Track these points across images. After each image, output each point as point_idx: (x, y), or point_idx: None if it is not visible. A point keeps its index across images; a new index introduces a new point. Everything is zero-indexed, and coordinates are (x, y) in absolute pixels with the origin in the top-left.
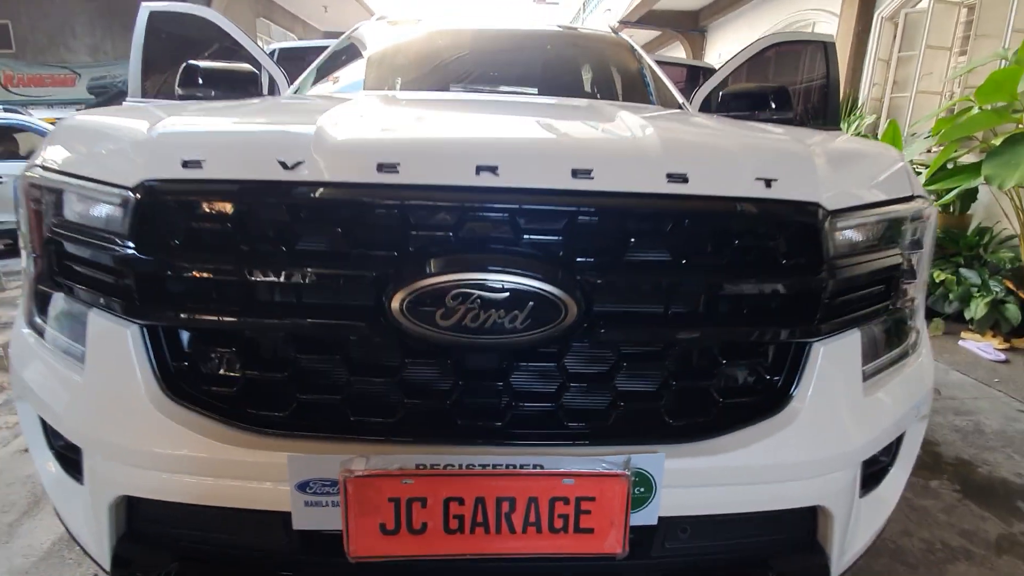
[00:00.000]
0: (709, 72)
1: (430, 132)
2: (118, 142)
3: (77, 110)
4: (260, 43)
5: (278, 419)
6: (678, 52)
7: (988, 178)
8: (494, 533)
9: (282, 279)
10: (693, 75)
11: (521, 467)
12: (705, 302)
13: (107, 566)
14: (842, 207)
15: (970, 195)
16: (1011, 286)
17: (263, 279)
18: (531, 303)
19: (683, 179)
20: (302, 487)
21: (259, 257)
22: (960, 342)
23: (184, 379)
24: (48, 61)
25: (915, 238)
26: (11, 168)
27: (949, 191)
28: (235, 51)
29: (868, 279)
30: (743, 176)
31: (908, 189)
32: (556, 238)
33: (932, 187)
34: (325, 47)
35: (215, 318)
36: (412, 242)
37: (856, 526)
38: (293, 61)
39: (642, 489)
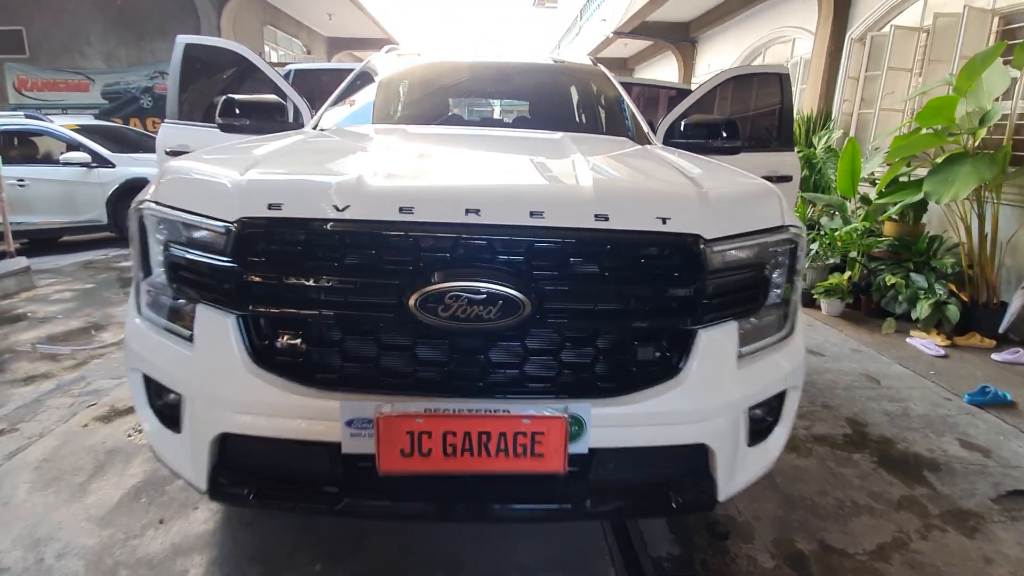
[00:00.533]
0: (685, 93)
1: (434, 181)
2: (218, 185)
3: (93, 115)
4: (267, 48)
5: (331, 379)
6: (670, 61)
7: (927, 193)
8: (476, 456)
9: (334, 284)
10: (682, 92)
11: (495, 411)
12: (620, 302)
13: (204, 488)
14: (717, 236)
15: (922, 206)
16: (953, 288)
17: (321, 285)
18: (500, 301)
19: (606, 218)
20: (348, 424)
21: (318, 269)
22: (907, 339)
23: (266, 352)
24: (62, 66)
25: (784, 257)
26: (33, 172)
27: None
28: (251, 72)
29: (740, 287)
30: (647, 215)
31: (779, 220)
32: (520, 258)
33: (883, 200)
34: (335, 69)
35: (288, 311)
36: (422, 260)
37: (743, 466)
38: (307, 79)
39: (576, 428)
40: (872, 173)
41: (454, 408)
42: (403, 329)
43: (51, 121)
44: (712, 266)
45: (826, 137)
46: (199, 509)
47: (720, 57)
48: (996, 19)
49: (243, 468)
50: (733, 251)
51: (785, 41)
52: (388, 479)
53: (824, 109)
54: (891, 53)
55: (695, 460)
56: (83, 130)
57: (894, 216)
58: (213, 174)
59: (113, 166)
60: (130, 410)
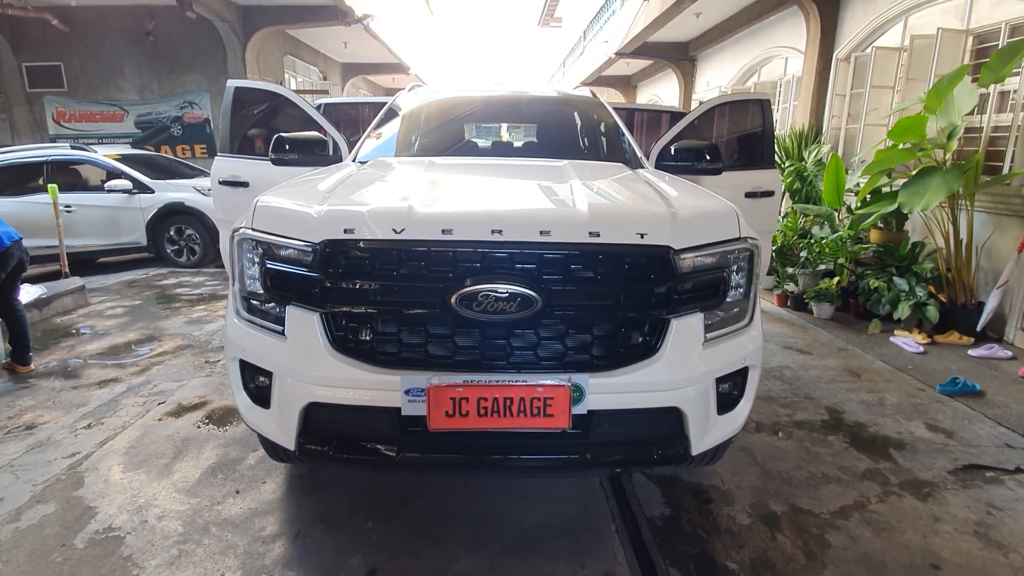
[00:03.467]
0: (679, 116)
1: (467, 207)
2: (304, 215)
3: (129, 144)
4: (287, 75)
5: (392, 360)
6: (671, 78)
7: (901, 204)
8: (503, 416)
9: (393, 288)
10: (677, 116)
11: (516, 382)
12: (610, 298)
13: (293, 447)
14: (684, 247)
15: (903, 215)
16: (932, 290)
17: (383, 288)
18: (519, 298)
19: (597, 235)
20: (407, 392)
21: (381, 277)
22: (891, 338)
23: (342, 341)
24: (98, 99)
25: (743, 263)
26: (79, 198)
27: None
28: (282, 107)
29: (704, 285)
30: (630, 232)
31: (736, 232)
32: (532, 265)
33: (863, 210)
34: (360, 103)
35: (359, 309)
36: (460, 268)
37: (712, 429)
38: (334, 110)
39: (577, 394)
40: (857, 184)
41: (485, 379)
42: (446, 321)
43: (95, 151)
44: (681, 270)
45: (816, 151)
46: (267, 483)
47: (718, 74)
48: (970, 39)
49: (323, 432)
50: (698, 258)
51: (778, 59)
52: (436, 435)
53: (815, 124)
54: (874, 72)
55: (671, 421)
56: (124, 159)
57: (878, 224)
58: (297, 205)
59: (152, 192)
60: (196, 407)
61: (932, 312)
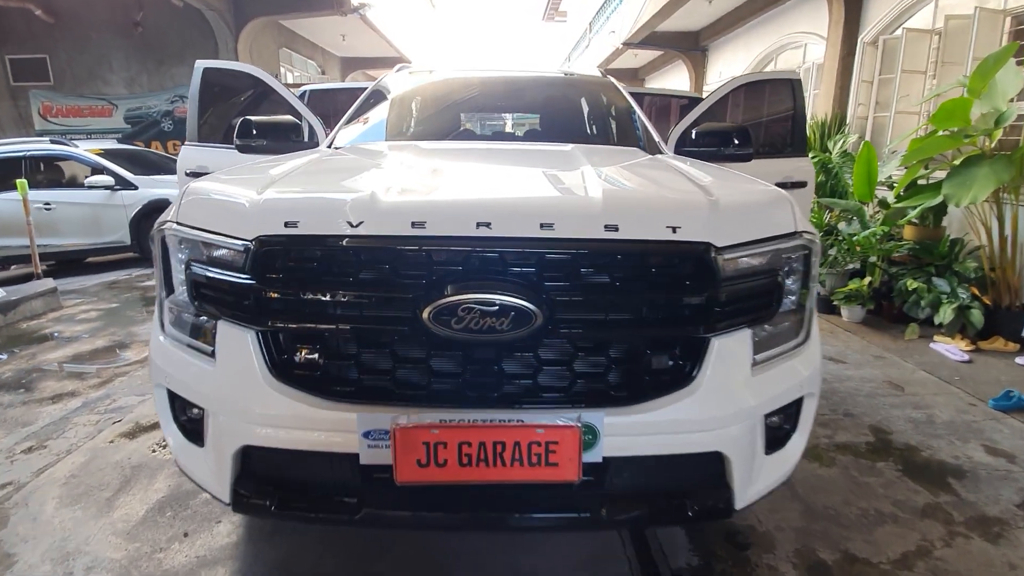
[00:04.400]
0: (697, 101)
1: (445, 195)
2: (237, 206)
3: (117, 139)
4: (283, 70)
5: (349, 392)
6: (681, 70)
7: (946, 197)
8: (492, 466)
9: (350, 299)
10: (693, 101)
11: (509, 422)
12: (632, 311)
13: (227, 500)
14: (729, 244)
15: (941, 209)
16: (976, 292)
17: (337, 299)
18: (513, 313)
19: (615, 228)
20: (366, 435)
21: (335, 284)
22: (931, 344)
23: (285, 366)
24: (86, 93)
25: (798, 264)
26: (59, 195)
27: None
28: (268, 94)
29: (753, 294)
30: (657, 224)
31: (792, 226)
32: (531, 269)
33: (902, 204)
34: (349, 89)
35: (306, 325)
36: (435, 273)
37: (759, 474)
38: (322, 99)
39: (590, 437)
40: (889, 177)
41: (469, 419)
42: (417, 342)
43: (76, 146)
44: (724, 274)
45: (841, 141)
46: (222, 523)
47: (731, 65)
48: (1008, 19)
49: (265, 480)
50: (745, 258)
51: (796, 47)
52: (406, 489)
53: (838, 113)
54: (904, 56)
55: (711, 468)
56: (107, 154)
57: (914, 220)
58: (232, 194)
59: (136, 188)
60: (154, 426)
61: (977, 316)
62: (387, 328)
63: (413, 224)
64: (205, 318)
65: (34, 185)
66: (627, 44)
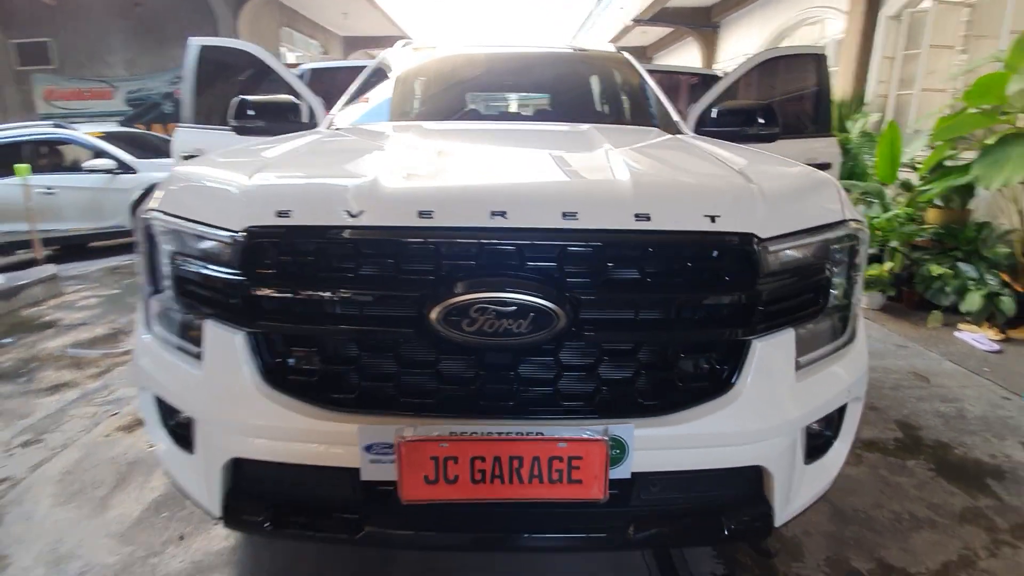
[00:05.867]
0: (714, 79)
1: (455, 181)
2: (224, 192)
3: (118, 122)
4: (284, 49)
5: (349, 400)
6: (691, 48)
7: (976, 178)
8: (508, 483)
9: (350, 297)
10: (706, 79)
11: (527, 434)
12: (665, 310)
13: (218, 515)
14: (774, 235)
15: (968, 191)
16: (1007, 279)
17: (335, 297)
18: (532, 314)
19: (647, 218)
20: (368, 448)
21: (332, 281)
22: (956, 333)
23: (278, 371)
24: (87, 76)
25: (846, 254)
26: (60, 180)
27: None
28: (268, 74)
29: (798, 290)
30: (694, 213)
31: (840, 214)
32: (551, 264)
33: (927, 185)
34: (350, 67)
35: (301, 326)
36: (445, 269)
37: (800, 486)
38: (323, 78)
39: (618, 451)
40: (913, 158)
41: (482, 431)
42: (425, 345)
43: (76, 129)
44: (768, 268)
45: (862, 121)
46: (219, 525)
47: (745, 41)
48: None
49: (259, 494)
50: (791, 251)
51: (814, 22)
52: (412, 506)
53: (858, 92)
54: (931, 30)
55: (749, 483)
56: (108, 137)
57: (938, 202)
58: (220, 179)
59: (135, 172)
60: None
61: (1008, 304)
62: (391, 330)
63: (420, 214)
64: (192, 316)
65: (36, 169)
66: (637, 21)
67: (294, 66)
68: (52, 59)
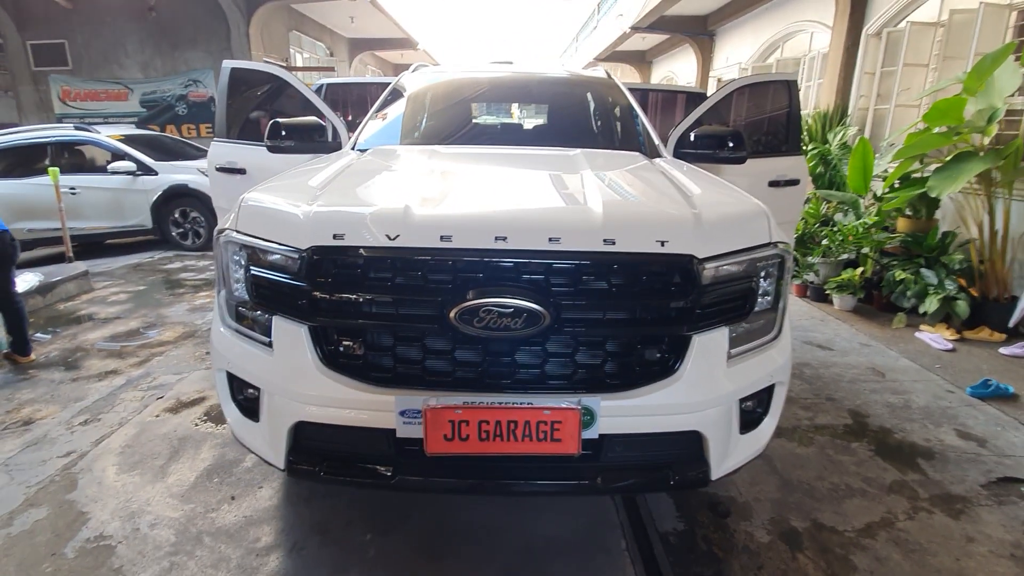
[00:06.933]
0: (701, 97)
1: (467, 209)
2: (291, 216)
3: (134, 124)
4: (292, 51)
5: (386, 378)
6: (688, 54)
7: (929, 188)
8: (506, 440)
9: (388, 300)
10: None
11: (520, 404)
12: (626, 312)
13: (282, 466)
14: (710, 255)
15: (933, 202)
16: (963, 283)
17: (377, 300)
18: (525, 314)
19: (613, 242)
20: (402, 413)
21: (375, 288)
22: (917, 334)
23: (333, 356)
24: (102, 77)
25: (773, 270)
26: (83, 180)
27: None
28: (284, 88)
29: (729, 297)
30: (648, 238)
31: (767, 237)
32: (540, 276)
33: (891, 194)
34: (365, 83)
35: (350, 322)
36: (460, 279)
37: (733, 450)
38: (337, 91)
39: (588, 417)
40: (885, 170)
41: (487, 401)
42: (444, 337)
43: (98, 132)
44: (704, 281)
45: (841, 133)
46: (263, 488)
47: (738, 50)
48: (1014, 14)
49: (314, 450)
50: (724, 267)
51: (803, 34)
52: (433, 459)
53: (840, 104)
54: (907, 49)
55: (690, 445)
56: (127, 139)
57: (906, 212)
58: (285, 205)
59: (156, 174)
60: (195, 402)
61: (962, 307)
62: (419, 325)
63: (442, 237)
64: (260, 312)
65: (60, 171)
66: (635, 28)
67: (303, 70)
68: (68, 60)
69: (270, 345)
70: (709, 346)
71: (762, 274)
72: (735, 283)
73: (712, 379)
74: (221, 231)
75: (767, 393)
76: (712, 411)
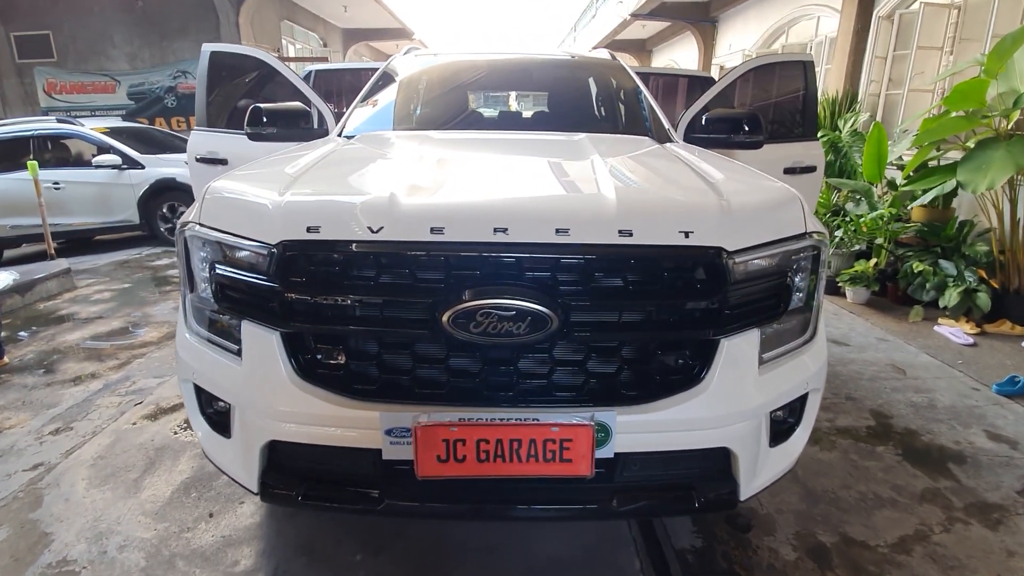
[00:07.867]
0: (709, 82)
1: (462, 198)
2: (260, 208)
3: (121, 116)
4: (285, 42)
5: (371, 391)
6: (690, 42)
7: (962, 184)
8: (508, 462)
9: (371, 302)
10: (700, 80)
11: (525, 420)
12: (644, 314)
13: (255, 490)
14: (740, 247)
15: (952, 191)
16: (983, 275)
17: (359, 302)
18: (529, 317)
19: (629, 234)
20: (388, 432)
21: (356, 288)
22: (935, 327)
23: (309, 366)
24: (88, 69)
25: (807, 263)
26: (67, 175)
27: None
28: (272, 76)
29: (762, 296)
30: (670, 229)
31: (802, 227)
32: (546, 274)
33: (911, 186)
34: (353, 69)
35: (329, 327)
36: (454, 278)
37: (763, 466)
38: (326, 79)
39: (603, 434)
40: (900, 157)
41: (487, 417)
42: (437, 344)
43: (82, 124)
44: (734, 277)
45: (852, 120)
46: (245, 503)
47: (742, 36)
48: None
49: (291, 471)
50: (755, 261)
51: (809, 19)
52: (425, 481)
53: (850, 90)
54: (920, 31)
55: (717, 462)
56: (112, 132)
57: (923, 201)
58: (254, 195)
59: (143, 167)
60: (175, 408)
61: (983, 300)
62: (407, 331)
63: (432, 230)
64: (229, 317)
65: (43, 164)
66: (635, 15)
67: (298, 61)
68: (53, 52)
69: (239, 354)
70: (739, 351)
71: (796, 268)
72: (768, 279)
73: (742, 389)
74: (184, 224)
75: (800, 401)
76: (742, 425)
